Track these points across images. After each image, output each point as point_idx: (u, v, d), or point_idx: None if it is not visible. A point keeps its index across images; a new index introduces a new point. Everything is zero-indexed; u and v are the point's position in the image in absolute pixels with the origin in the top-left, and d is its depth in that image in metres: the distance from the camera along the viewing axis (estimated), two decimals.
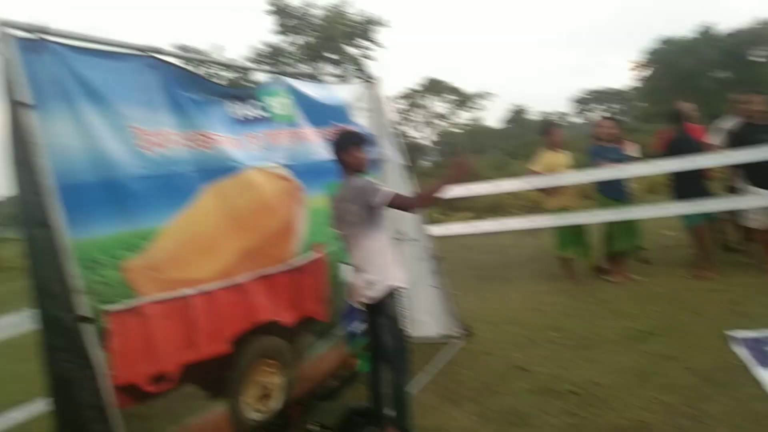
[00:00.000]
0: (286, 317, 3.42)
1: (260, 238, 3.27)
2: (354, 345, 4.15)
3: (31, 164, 2.13)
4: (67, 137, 2.32)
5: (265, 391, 3.23)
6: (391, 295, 3.22)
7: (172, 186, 2.76)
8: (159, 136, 2.73)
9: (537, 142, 7.23)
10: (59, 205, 2.17)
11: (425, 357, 4.54)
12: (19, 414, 3.31)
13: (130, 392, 2.45)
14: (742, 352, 3.76)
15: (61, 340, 2.21)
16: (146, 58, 2.75)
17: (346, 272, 4.01)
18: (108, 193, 2.45)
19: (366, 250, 3.22)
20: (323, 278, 3.82)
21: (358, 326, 4.15)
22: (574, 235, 6.14)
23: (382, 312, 3.22)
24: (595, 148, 6.05)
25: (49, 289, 2.18)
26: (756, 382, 3.36)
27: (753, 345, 3.85)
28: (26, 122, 2.13)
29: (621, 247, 5.94)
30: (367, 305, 3.32)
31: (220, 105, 3.23)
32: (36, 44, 2.24)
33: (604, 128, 6.12)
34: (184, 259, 2.79)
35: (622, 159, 5.94)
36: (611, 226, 5.95)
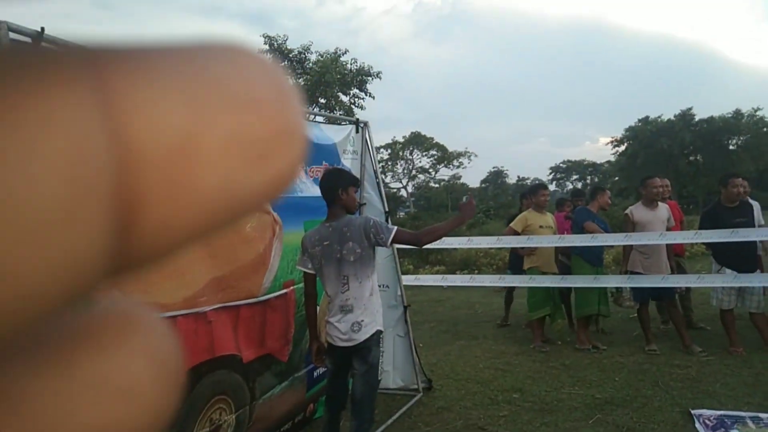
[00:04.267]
0: (246, 353, 3.33)
1: (231, 269, 3.22)
2: (313, 389, 4.05)
3: None
4: None
5: (214, 428, 3.11)
6: (377, 340, 3.16)
7: None
8: None
9: (512, 204, 7.37)
10: None
11: (383, 408, 4.44)
12: None
13: None
14: (704, 431, 3.76)
15: None
16: None
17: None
18: None
19: (359, 291, 3.10)
20: (289, 316, 3.75)
21: (320, 370, 4.08)
22: (548, 296, 6.18)
23: (363, 357, 3.10)
24: (584, 211, 6.13)
25: None
26: None
27: (715, 425, 3.86)
28: None
29: (586, 312, 5.99)
30: (344, 348, 3.16)
31: None
32: None
33: (606, 197, 6.24)
34: (150, 281, 2.72)
35: (606, 228, 6.05)
36: (581, 290, 6.02)
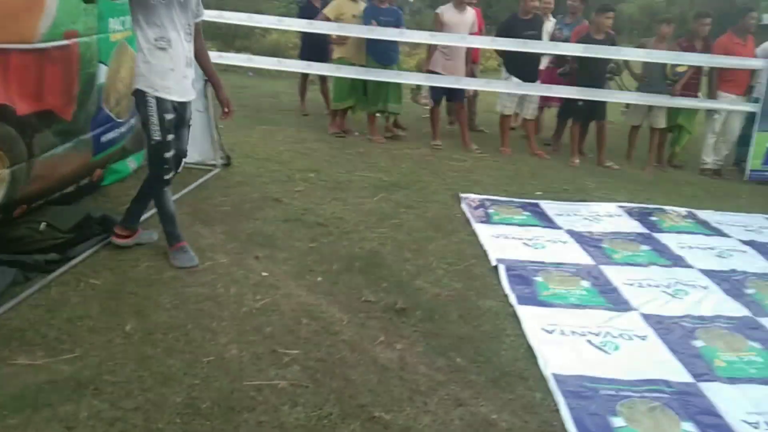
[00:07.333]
0: (21, 105, 2.98)
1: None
2: (100, 154, 3.83)
3: None
4: None
5: None
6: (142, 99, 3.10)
7: None
8: None
9: None
10: None
11: (177, 180, 4.43)
12: None
13: None
14: (466, 209, 4.40)
15: None
16: None
17: (102, 73, 3.63)
18: None
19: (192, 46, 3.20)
20: (72, 72, 3.36)
21: (111, 134, 3.87)
22: (353, 88, 6.29)
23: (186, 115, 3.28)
24: (371, 8, 6.04)
25: None
26: (471, 232, 4.01)
27: (476, 205, 4.53)
28: None
29: (373, 110, 6.31)
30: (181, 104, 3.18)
31: None
32: None
33: None
34: None
35: (398, 23, 6.09)
36: (373, 86, 6.14)
